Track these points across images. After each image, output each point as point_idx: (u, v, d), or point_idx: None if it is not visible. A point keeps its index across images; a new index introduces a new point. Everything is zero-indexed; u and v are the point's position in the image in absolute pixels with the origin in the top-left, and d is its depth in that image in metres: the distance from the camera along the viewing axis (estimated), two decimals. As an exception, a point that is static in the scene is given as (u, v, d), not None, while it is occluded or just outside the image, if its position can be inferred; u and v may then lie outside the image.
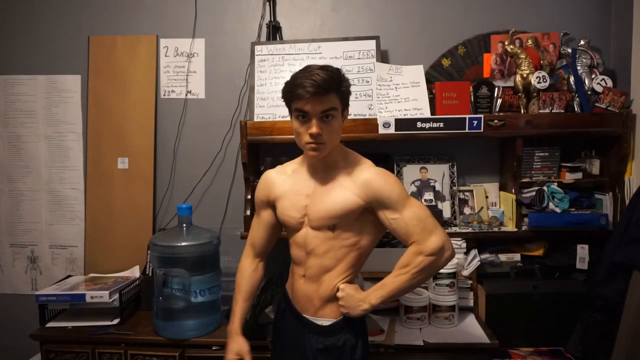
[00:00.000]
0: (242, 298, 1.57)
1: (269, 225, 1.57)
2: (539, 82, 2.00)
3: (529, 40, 2.12)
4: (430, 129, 1.99)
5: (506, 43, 2.09)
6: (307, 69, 1.31)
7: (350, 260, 1.40)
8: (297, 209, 1.43)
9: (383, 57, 2.20)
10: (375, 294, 1.35)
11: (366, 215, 1.37)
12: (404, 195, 1.35)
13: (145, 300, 2.12)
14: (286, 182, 1.49)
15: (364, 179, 1.35)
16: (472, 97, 2.07)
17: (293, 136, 1.39)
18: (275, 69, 2.18)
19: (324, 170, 1.42)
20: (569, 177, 2.08)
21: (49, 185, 2.45)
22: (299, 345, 1.44)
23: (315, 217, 1.39)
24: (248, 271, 1.60)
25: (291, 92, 1.31)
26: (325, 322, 1.41)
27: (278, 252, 1.67)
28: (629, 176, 2.00)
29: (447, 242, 1.32)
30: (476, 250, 2.06)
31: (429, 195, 2.13)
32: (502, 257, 2.10)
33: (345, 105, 1.37)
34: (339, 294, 1.39)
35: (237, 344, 1.51)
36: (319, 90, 1.26)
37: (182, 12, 2.34)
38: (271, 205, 1.52)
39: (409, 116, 2.03)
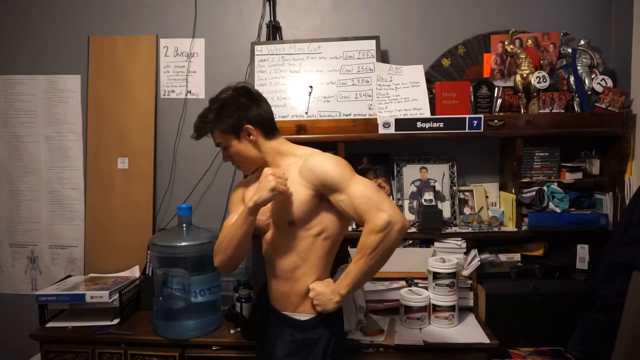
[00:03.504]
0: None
1: None
2: (539, 82, 2.00)
3: (529, 40, 2.12)
4: (430, 129, 2.00)
5: (506, 43, 2.09)
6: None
7: (319, 249, 1.42)
8: (262, 211, 1.44)
9: (383, 57, 2.20)
10: (341, 283, 1.38)
11: (324, 203, 1.39)
12: (348, 175, 1.35)
13: (145, 300, 2.12)
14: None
15: (308, 167, 1.38)
16: (472, 97, 2.07)
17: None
18: (275, 69, 2.18)
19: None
20: (569, 177, 2.08)
21: (49, 185, 2.45)
22: (276, 339, 1.47)
23: (275, 217, 1.44)
24: None
25: None
26: (304, 317, 1.44)
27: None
28: (629, 176, 2.00)
29: (396, 216, 1.30)
30: (476, 250, 2.05)
31: (429, 195, 2.13)
32: (502, 257, 2.10)
33: (237, 131, 1.45)
34: (310, 295, 1.42)
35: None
36: (195, 136, 1.51)
37: (182, 12, 2.34)
38: None
39: (409, 116, 2.03)
